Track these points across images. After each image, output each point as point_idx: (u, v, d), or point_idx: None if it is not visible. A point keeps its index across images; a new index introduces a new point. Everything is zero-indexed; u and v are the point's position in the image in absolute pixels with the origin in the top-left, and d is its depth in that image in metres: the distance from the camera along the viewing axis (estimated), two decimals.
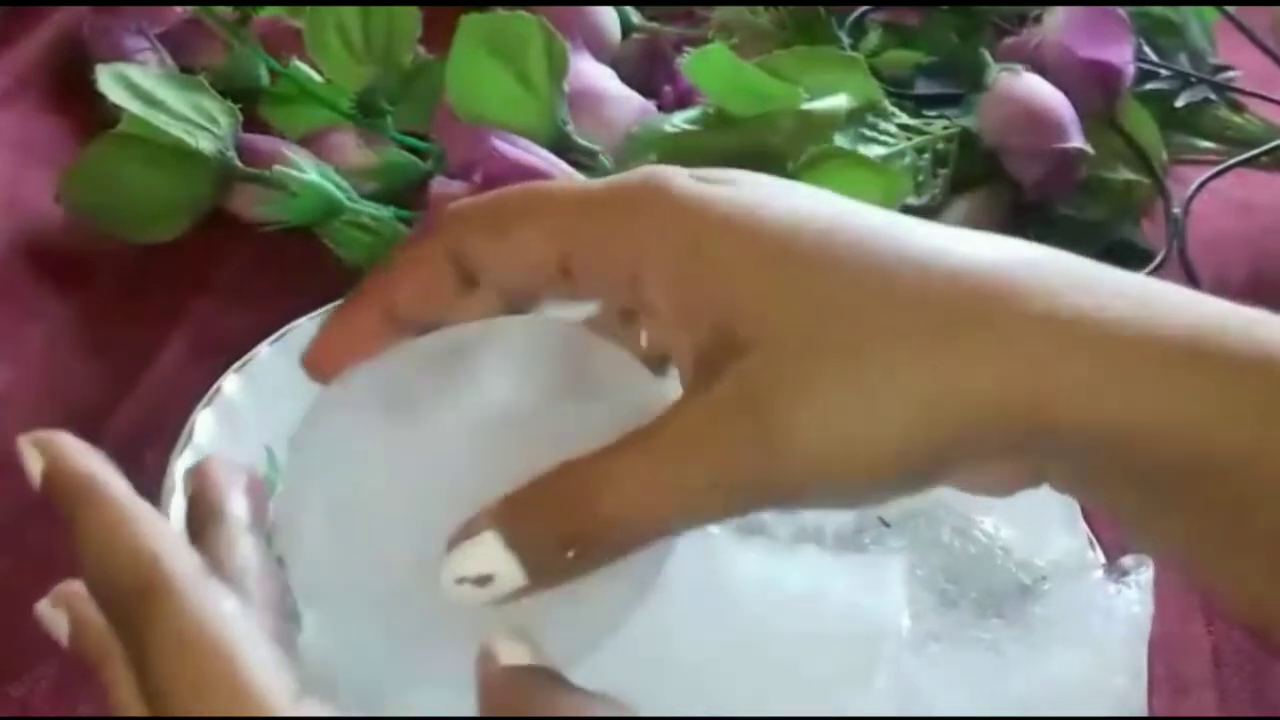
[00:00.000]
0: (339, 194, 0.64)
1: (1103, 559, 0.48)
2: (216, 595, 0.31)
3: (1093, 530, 0.49)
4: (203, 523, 0.36)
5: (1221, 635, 0.54)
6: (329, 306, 0.52)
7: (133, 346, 0.61)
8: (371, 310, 0.38)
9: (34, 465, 0.36)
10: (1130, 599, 0.45)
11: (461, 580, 0.33)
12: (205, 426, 0.46)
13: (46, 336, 0.61)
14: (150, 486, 0.45)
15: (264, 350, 0.49)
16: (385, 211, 0.64)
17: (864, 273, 0.33)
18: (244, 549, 0.34)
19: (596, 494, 0.33)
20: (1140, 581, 0.46)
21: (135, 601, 0.31)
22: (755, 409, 0.32)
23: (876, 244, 0.34)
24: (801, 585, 0.42)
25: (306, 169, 0.64)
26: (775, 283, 0.34)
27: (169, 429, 0.48)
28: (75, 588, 0.35)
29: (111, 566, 0.32)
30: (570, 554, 0.33)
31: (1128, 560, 0.47)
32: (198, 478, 0.37)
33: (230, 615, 0.31)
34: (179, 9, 0.72)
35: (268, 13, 0.72)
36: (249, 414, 0.48)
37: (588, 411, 0.36)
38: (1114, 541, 0.49)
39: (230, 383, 0.48)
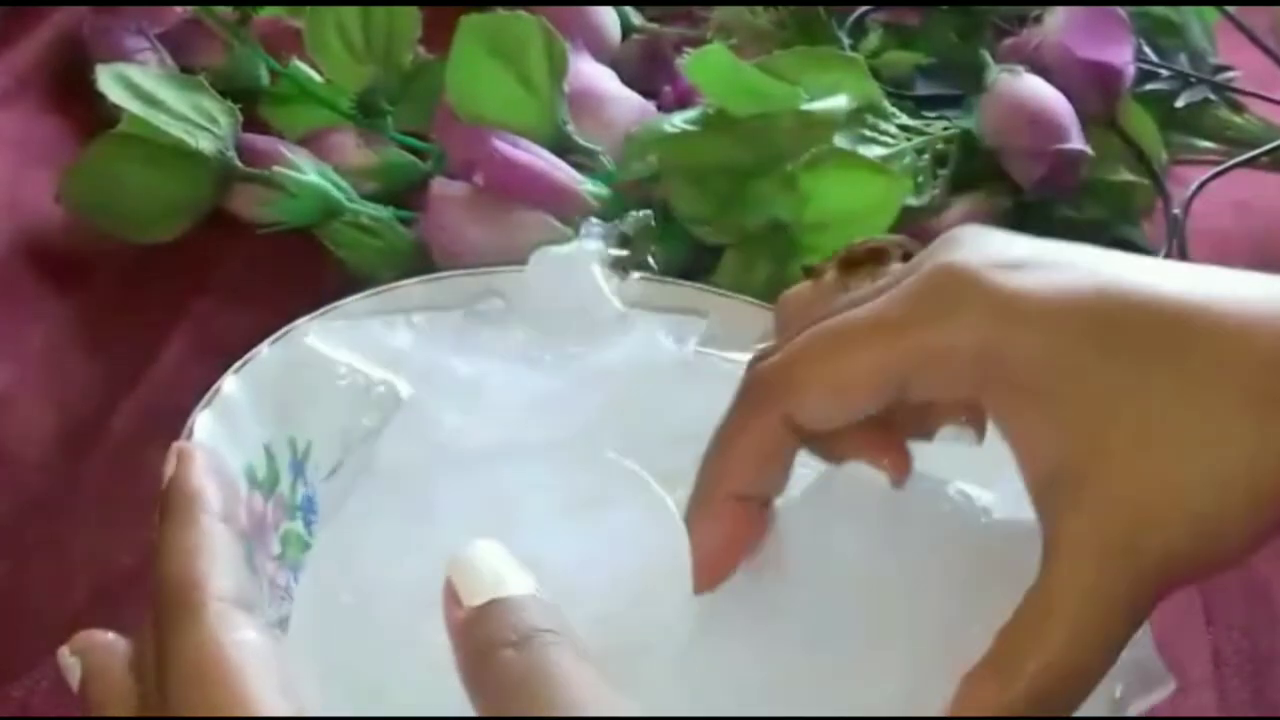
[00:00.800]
0: (338, 195, 0.64)
1: None
2: (238, 624, 0.34)
3: None
4: (175, 506, 0.37)
5: (1221, 635, 0.54)
6: (329, 306, 0.52)
7: (133, 346, 0.61)
8: (724, 507, 0.40)
9: (168, 470, 0.38)
10: None
11: None
12: (205, 426, 0.46)
13: (46, 336, 0.61)
14: (150, 486, 0.45)
15: (264, 350, 0.49)
16: (385, 212, 0.64)
17: (1180, 364, 0.35)
18: (219, 537, 0.36)
19: (1046, 668, 0.35)
20: None
21: (172, 611, 0.34)
22: (1124, 547, 0.35)
23: (1185, 332, 0.36)
24: None
25: (306, 169, 0.64)
26: (1101, 397, 0.36)
27: (169, 429, 0.48)
28: (94, 638, 0.37)
29: (165, 574, 0.35)
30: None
31: None
32: (179, 462, 0.38)
33: (245, 643, 0.33)
34: (179, 9, 0.72)
35: (268, 13, 0.72)
36: (249, 414, 0.48)
37: None
38: None
39: (230, 383, 0.48)
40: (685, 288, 0.53)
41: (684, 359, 0.48)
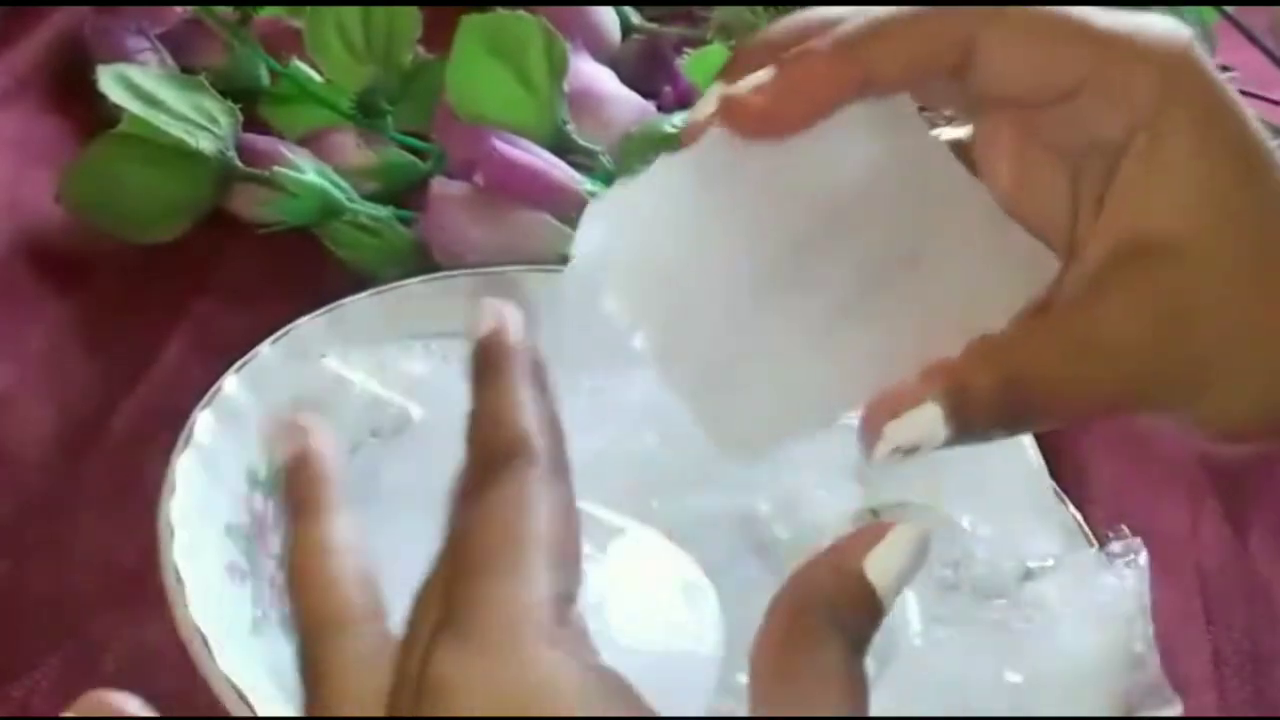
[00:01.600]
0: (338, 194, 0.64)
1: (1094, 543, 0.49)
2: (562, 482, 0.33)
3: (1083, 514, 0.49)
4: (495, 363, 0.36)
5: (1221, 635, 0.54)
6: (330, 306, 0.52)
7: (133, 346, 0.61)
8: (851, 67, 0.36)
9: (484, 325, 0.36)
10: (1127, 576, 0.46)
11: (897, 449, 0.35)
12: (205, 426, 0.46)
13: (46, 336, 0.61)
14: (150, 486, 0.45)
15: (264, 350, 0.50)
16: (385, 212, 0.64)
17: None
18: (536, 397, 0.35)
19: (1030, 380, 0.35)
20: (1133, 560, 0.46)
21: (499, 458, 0.33)
22: (1181, 324, 0.36)
23: None
24: None
25: (306, 169, 0.64)
26: (1222, 207, 0.38)
27: (169, 429, 0.48)
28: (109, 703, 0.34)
29: (496, 424, 0.34)
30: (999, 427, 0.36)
31: (1116, 546, 0.47)
32: (496, 322, 0.36)
33: (562, 500, 0.33)
34: (179, 9, 0.72)
35: (268, 13, 0.72)
36: (249, 414, 0.48)
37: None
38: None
39: (230, 383, 0.48)
40: None
41: None
